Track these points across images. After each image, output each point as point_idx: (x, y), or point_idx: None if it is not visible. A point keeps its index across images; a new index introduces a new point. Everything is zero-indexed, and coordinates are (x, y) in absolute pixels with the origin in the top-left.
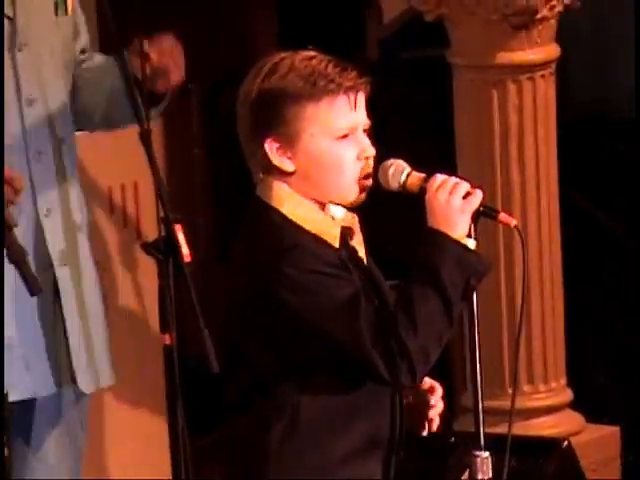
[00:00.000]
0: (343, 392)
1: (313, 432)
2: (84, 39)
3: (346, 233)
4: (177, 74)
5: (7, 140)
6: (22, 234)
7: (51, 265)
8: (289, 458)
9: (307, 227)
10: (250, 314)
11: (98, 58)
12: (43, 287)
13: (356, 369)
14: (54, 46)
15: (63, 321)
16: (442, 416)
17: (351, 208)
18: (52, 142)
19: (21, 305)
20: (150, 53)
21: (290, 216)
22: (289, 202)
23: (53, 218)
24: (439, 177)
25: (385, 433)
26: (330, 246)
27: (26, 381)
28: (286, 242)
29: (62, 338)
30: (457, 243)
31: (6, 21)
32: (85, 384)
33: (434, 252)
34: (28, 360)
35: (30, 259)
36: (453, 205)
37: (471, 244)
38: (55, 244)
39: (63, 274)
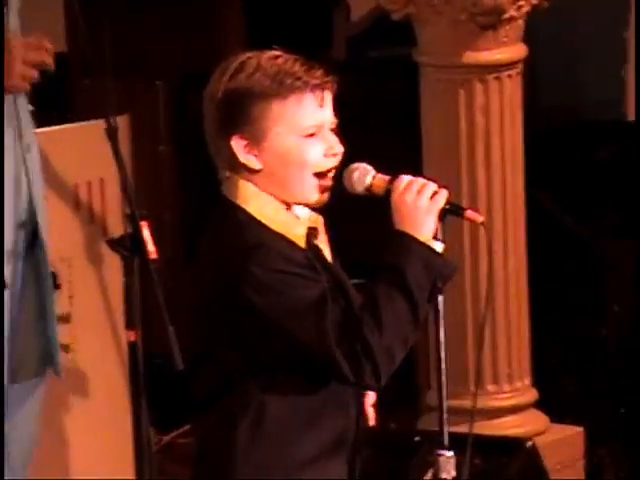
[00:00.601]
0: (310, 392)
1: (279, 430)
2: None
3: (311, 233)
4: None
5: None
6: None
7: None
8: (255, 456)
9: (273, 226)
10: (216, 312)
11: None
12: None
13: (322, 369)
14: None
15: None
16: (375, 407)
17: (316, 209)
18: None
19: None
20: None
21: (256, 215)
22: (255, 201)
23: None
24: (405, 178)
25: (351, 433)
26: (296, 246)
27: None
28: (252, 241)
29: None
30: (424, 245)
31: None
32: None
33: (401, 254)
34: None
35: None
36: (420, 206)
37: (438, 247)
38: None
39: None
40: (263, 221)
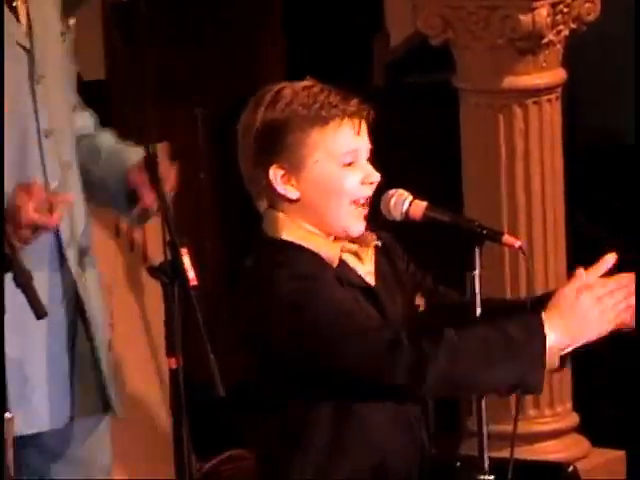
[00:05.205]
0: (337, 423)
1: (321, 450)
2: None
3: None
4: (169, 186)
5: (29, 170)
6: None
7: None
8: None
9: (307, 246)
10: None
11: (107, 139)
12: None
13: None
14: (65, 75)
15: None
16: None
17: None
18: (63, 171)
19: (31, 334)
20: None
21: (290, 239)
22: (288, 228)
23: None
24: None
25: (396, 464)
26: (325, 263)
27: (44, 413)
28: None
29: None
30: (544, 353)
31: (23, 52)
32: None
33: (523, 336)
34: (50, 390)
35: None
36: (590, 318)
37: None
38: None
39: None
40: (296, 242)
